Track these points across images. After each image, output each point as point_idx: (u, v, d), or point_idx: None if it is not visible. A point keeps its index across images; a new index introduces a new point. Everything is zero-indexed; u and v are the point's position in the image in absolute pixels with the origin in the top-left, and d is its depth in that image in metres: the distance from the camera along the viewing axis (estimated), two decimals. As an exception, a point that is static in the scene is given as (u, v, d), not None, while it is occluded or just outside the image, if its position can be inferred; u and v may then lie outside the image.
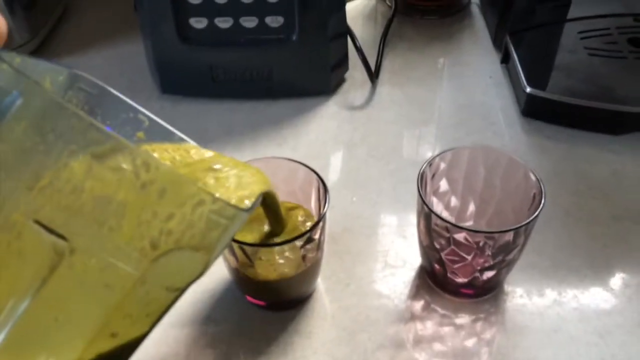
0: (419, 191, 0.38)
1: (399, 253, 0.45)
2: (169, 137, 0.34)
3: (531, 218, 0.36)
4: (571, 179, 0.51)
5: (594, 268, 0.44)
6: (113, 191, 0.24)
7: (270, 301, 0.42)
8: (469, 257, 0.38)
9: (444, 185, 0.42)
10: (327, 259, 0.45)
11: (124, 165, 0.24)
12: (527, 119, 0.57)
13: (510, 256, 0.38)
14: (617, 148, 0.54)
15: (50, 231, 0.25)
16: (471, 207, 0.43)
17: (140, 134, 0.34)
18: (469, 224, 0.44)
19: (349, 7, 0.72)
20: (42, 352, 0.27)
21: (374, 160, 0.53)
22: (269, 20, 0.54)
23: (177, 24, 0.54)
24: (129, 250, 0.25)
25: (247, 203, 0.30)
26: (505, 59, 0.62)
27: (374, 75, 0.60)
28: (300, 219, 0.41)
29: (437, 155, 0.40)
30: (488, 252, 0.38)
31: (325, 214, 0.38)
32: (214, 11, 0.54)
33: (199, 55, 0.56)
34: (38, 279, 0.25)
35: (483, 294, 0.42)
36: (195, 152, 0.34)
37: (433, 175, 0.41)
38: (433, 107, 0.59)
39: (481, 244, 0.37)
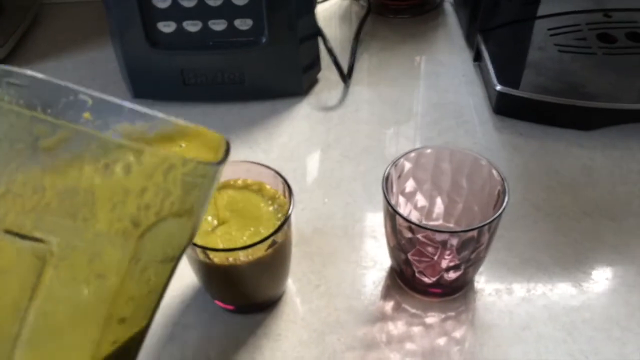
0: (384, 193, 0.38)
1: (369, 254, 0.45)
2: (117, 111, 0.31)
3: (494, 217, 0.36)
4: (542, 175, 0.51)
5: (563, 264, 0.44)
6: (76, 180, 0.24)
7: (238, 304, 0.41)
8: (435, 257, 0.38)
9: (410, 185, 0.42)
10: (298, 260, 0.45)
11: (80, 152, 0.23)
12: (499, 117, 0.57)
13: (476, 254, 0.38)
14: (588, 143, 0.54)
15: (24, 237, 0.24)
16: (439, 207, 0.43)
17: (87, 115, 0.31)
18: (437, 223, 0.44)
19: (322, 7, 0.73)
20: (60, 351, 0.26)
21: (347, 161, 0.53)
22: (237, 23, 0.54)
23: (145, 29, 0.54)
24: (110, 235, 0.24)
25: (219, 155, 0.28)
26: (477, 57, 0.62)
27: (345, 76, 0.60)
28: (271, 208, 0.40)
29: (402, 156, 0.40)
30: (453, 251, 0.38)
31: (289, 216, 0.38)
32: (181, 15, 0.54)
33: (169, 59, 0.56)
34: (27, 289, 0.24)
35: (452, 293, 0.42)
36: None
37: (399, 176, 0.41)
38: (406, 107, 0.59)
39: (446, 243, 0.37)
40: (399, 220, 0.37)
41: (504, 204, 0.37)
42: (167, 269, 0.27)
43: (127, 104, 0.30)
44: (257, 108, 0.59)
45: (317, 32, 0.59)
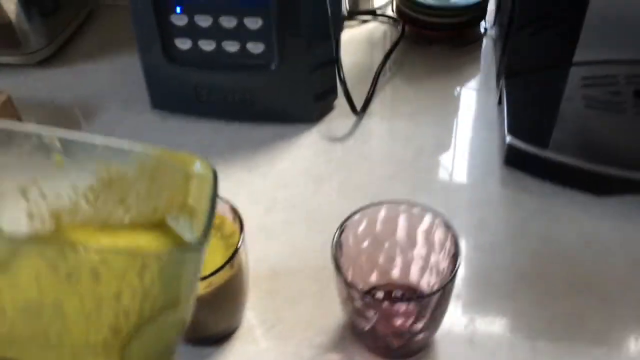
0: (334, 260, 0.37)
1: (333, 301, 0.45)
2: (90, 150, 0.30)
3: (434, 291, 0.35)
4: (537, 240, 0.48)
5: (533, 341, 0.41)
6: (37, 295, 0.21)
7: (189, 335, 0.42)
8: (390, 322, 0.37)
9: (366, 241, 0.41)
10: (260, 295, 0.45)
11: (35, 264, 0.21)
12: (508, 168, 0.54)
13: (420, 324, 0.37)
14: (596, 210, 0.50)
15: None
16: (397, 263, 0.42)
17: (58, 157, 0.30)
18: (394, 281, 0.43)
19: (357, 30, 0.71)
20: None
21: (338, 198, 0.52)
22: (250, 46, 0.55)
23: (163, 44, 0.56)
24: (90, 347, 0.22)
25: (198, 233, 0.25)
26: (501, 101, 0.59)
27: (356, 108, 0.59)
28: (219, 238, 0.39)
29: (357, 212, 0.39)
30: (401, 317, 0.36)
31: (237, 250, 0.37)
32: (197, 33, 0.55)
33: (185, 74, 0.57)
34: None
35: (409, 355, 0.41)
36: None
37: (355, 231, 0.40)
38: (415, 145, 0.57)
39: (395, 309, 0.36)
40: (340, 283, 0.36)
41: (454, 271, 0.35)
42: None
43: (100, 140, 0.29)
44: (266, 130, 0.59)
45: (334, 60, 0.58)
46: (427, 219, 0.39)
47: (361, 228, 0.40)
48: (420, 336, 0.39)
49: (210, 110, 0.60)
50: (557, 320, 0.43)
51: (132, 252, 0.22)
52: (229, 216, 0.40)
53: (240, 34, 0.54)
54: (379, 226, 0.40)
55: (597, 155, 0.50)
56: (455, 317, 0.43)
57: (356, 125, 0.60)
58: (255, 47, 0.55)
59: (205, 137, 0.59)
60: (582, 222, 0.49)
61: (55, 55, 0.70)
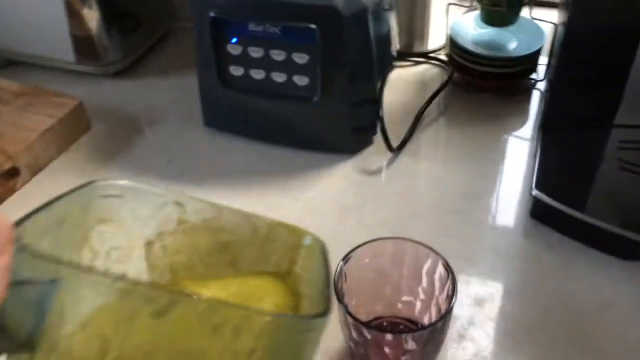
0: (337, 292, 0.39)
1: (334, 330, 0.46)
2: (212, 212, 0.33)
3: (422, 327, 0.36)
4: (552, 297, 0.48)
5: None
6: (186, 343, 0.23)
7: None
8: (369, 348, 0.38)
9: (373, 273, 0.42)
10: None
11: (189, 315, 0.23)
12: (534, 222, 0.54)
13: (411, 357, 0.38)
14: (619, 274, 0.49)
15: None
16: (404, 298, 0.43)
17: (182, 217, 0.33)
18: (400, 313, 0.44)
19: (407, 71, 0.74)
20: None
21: (359, 230, 0.54)
22: (296, 78, 0.58)
23: (218, 69, 0.60)
24: None
25: (323, 307, 0.27)
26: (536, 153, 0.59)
27: (392, 145, 0.61)
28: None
29: (363, 245, 0.41)
30: (393, 348, 0.38)
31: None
32: (250, 63, 0.59)
33: (236, 98, 0.62)
34: None
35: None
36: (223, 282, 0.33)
37: (361, 263, 0.42)
38: (444, 188, 0.58)
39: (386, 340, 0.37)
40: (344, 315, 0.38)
41: (449, 308, 0.37)
42: None
43: (219, 205, 0.32)
44: (305, 157, 0.62)
45: (374, 98, 0.61)
46: (430, 259, 0.41)
47: (367, 260, 0.42)
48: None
49: (255, 133, 0.64)
50: (555, 378, 0.43)
51: (273, 312, 0.25)
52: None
53: (288, 66, 0.58)
54: (385, 260, 0.42)
55: (626, 219, 0.49)
56: (455, 353, 0.44)
57: (391, 162, 0.62)
58: (301, 80, 0.58)
59: (248, 157, 0.63)
60: (601, 284, 0.48)
61: (129, 68, 0.76)
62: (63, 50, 0.73)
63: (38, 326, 0.22)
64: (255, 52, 0.58)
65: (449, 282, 0.39)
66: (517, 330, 0.46)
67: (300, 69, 0.58)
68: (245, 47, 0.58)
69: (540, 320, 0.46)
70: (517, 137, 0.64)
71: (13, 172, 0.58)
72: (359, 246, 0.41)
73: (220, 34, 0.58)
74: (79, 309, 0.23)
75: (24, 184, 0.60)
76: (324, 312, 0.26)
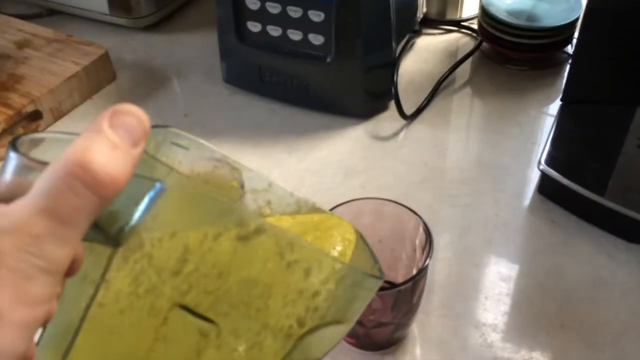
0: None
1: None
2: (263, 182, 0.33)
3: (389, 287, 0.36)
4: (546, 273, 0.46)
5: (502, 368, 0.41)
6: (259, 273, 0.24)
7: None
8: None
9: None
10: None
11: (270, 246, 0.24)
12: (540, 196, 0.52)
13: (383, 318, 0.38)
14: (621, 256, 0.47)
15: (196, 314, 0.24)
16: (386, 259, 0.43)
17: (235, 183, 0.34)
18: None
19: (436, 39, 0.72)
20: None
21: (359, 193, 0.54)
22: (311, 37, 0.58)
23: (236, 25, 0.61)
24: (276, 329, 0.25)
25: (379, 269, 0.29)
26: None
27: (404, 112, 0.60)
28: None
29: (345, 203, 0.41)
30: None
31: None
32: (267, 19, 0.59)
33: (252, 55, 0.62)
34: None
35: (379, 348, 0.42)
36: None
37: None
38: (454, 157, 0.57)
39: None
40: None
41: (421, 269, 0.36)
42: None
43: (271, 180, 0.33)
44: (316, 118, 0.62)
45: (391, 63, 0.60)
46: (412, 222, 0.40)
47: (349, 218, 0.42)
48: (385, 329, 0.40)
49: (270, 91, 0.64)
50: (535, 354, 0.41)
51: (341, 263, 0.26)
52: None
53: (304, 24, 0.57)
54: (367, 221, 0.42)
55: (637, 201, 0.47)
56: (436, 322, 0.43)
57: (403, 128, 0.61)
58: (316, 39, 0.58)
59: (261, 115, 0.63)
60: (600, 264, 0.47)
61: (160, 23, 0.78)
62: (98, 2, 0.75)
63: (131, 224, 0.23)
64: (273, 8, 0.58)
65: (427, 246, 0.39)
66: (503, 302, 0.45)
67: (316, 28, 0.57)
68: (263, 2, 0.58)
69: (529, 295, 0.45)
70: (541, 112, 0.62)
71: (36, 115, 0.61)
72: (339, 205, 0.41)
73: (239, -11, 0.58)
74: (174, 219, 0.24)
75: (47, 127, 0.62)
76: (381, 276, 0.27)
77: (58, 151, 0.20)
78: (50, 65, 0.65)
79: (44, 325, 0.22)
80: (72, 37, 0.69)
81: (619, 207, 0.47)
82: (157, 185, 0.23)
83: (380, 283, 0.27)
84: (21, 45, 0.68)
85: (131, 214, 0.23)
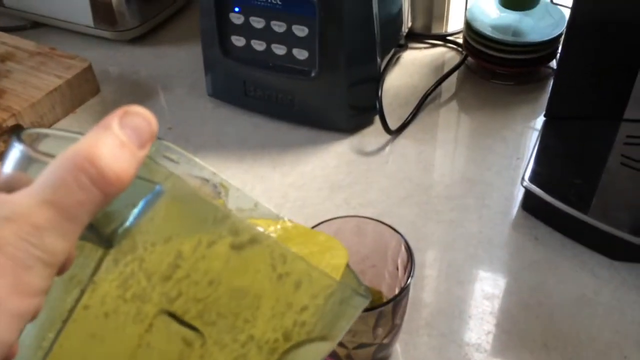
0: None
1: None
2: (249, 202, 0.33)
3: (370, 307, 0.35)
4: (529, 291, 0.46)
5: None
6: (250, 283, 0.24)
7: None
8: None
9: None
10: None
11: (263, 257, 0.24)
12: (524, 213, 0.52)
13: (364, 338, 0.37)
14: (604, 274, 0.47)
15: (182, 322, 0.24)
16: (369, 277, 0.42)
17: (221, 202, 0.33)
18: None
19: (422, 53, 0.72)
20: None
21: (343, 209, 0.54)
22: (295, 51, 0.58)
23: (220, 39, 0.60)
24: (262, 342, 0.25)
25: (365, 289, 0.29)
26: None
27: (388, 127, 0.60)
28: None
29: (327, 221, 0.40)
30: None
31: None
32: (251, 33, 0.59)
33: (236, 69, 0.62)
34: None
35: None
36: (283, 225, 0.33)
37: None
38: (437, 173, 0.57)
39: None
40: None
41: (402, 291, 0.36)
42: None
43: (257, 201, 0.32)
44: (301, 133, 0.62)
45: (376, 78, 0.60)
46: (394, 240, 0.40)
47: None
48: (367, 349, 0.39)
49: (255, 105, 0.63)
50: (519, 373, 0.41)
51: (332, 278, 0.25)
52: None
53: (288, 39, 0.57)
54: (349, 239, 0.41)
55: (619, 218, 0.47)
56: (419, 341, 0.43)
57: (388, 144, 0.60)
58: (300, 54, 0.58)
59: (245, 129, 0.63)
60: (584, 282, 0.46)
61: (145, 36, 0.77)
62: (82, 14, 0.74)
63: (126, 225, 0.22)
64: (257, 23, 0.58)
65: (409, 265, 0.38)
66: (486, 320, 0.44)
67: (300, 42, 0.57)
68: (247, 16, 0.58)
69: (513, 313, 0.45)
70: (527, 127, 0.62)
71: (17, 130, 0.60)
72: (320, 222, 0.40)
73: (224, 2, 0.58)
74: (170, 224, 0.23)
75: (28, 140, 0.62)
76: (368, 296, 0.27)
77: (60, 149, 0.20)
78: (33, 79, 0.64)
79: (32, 320, 0.21)
80: (55, 50, 0.69)
81: (602, 224, 0.47)
82: (157, 188, 0.22)
83: (366, 303, 0.27)
84: (3, 58, 0.67)
85: (127, 216, 0.22)
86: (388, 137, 0.61)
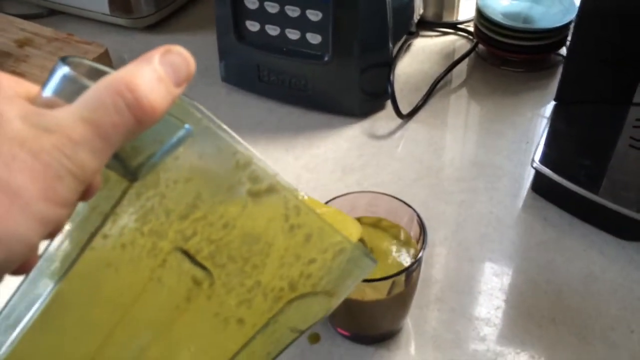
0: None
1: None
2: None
3: (383, 277, 0.36)
4: (536, 269, 0.47)
5: (494, 361, 0.41)
6: (262, 230, 0.25)
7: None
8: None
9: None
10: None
11: (278, 207, 0.25)
12: (533, 194, 0.53)
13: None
14: (612, 253, 0.48)
15: (194, 261, 0.25)
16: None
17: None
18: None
19: (433, 41, 0.73)
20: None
21: (355, 189, 0.55)
22: (309, 36, 0.59)
23: (235, 24, 0.61)
24: (268, 289, 0.25)
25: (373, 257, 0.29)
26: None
27: (400, 111, 0.60)
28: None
29: (335, 199, 0.41)
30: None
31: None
32: (266, 18, 0.60)
33: (250, 54, 0.63)
34: (173, 307, 0.26)
35: (375, 341, 0.43)
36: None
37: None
38: (448, 156, 0.58)
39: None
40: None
41: (415, 263, 0.37)
42: (290, 338, 0.28)
43: (277, 172, 0.32)
44: (314, 117, 0.63)
45: (388, 63, 0.60)
46: (407, 214, 0.41)
47: (344, 210, 0.42)
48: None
49: (268, 90, 0.64)
50: (527, 347, 0.42)
51: (343, 235, 0.26)
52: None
53: (302, 24, 0.58)
54: (361, 212, 0.42)
55: (628, 198, 0.48)
56: (430, 315, 0.44)
57: (399, 127, 0.61)
58: (314, 38, 0.59)
59: (260, 114, 0.64)
60: (592, 260, 0.47)
61: (160, 23, 0.78)
62: (98, 1, 0.75)
63: (153, 160, 0.23)
64: (271, 7, 0.59)
65: (421, 237, 0.39)
66: (496, 295, 0.45)
67: (314, 27, 0.58)
68: (262, 1, 0.59)
69: (521, 290, 0.46)
70: (536, 113, 0.63)
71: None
72: (335, 198, 0.41)
73: (238, -13, 0.59)
74: (193, 164, 0.24)
75: (46, 123, 0.63)
76: (375, 261, 0.28)
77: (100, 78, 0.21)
78: (51, 64, 0.65)
79: (52, 237, 0.22)
80: (72, 36, 0.70)
81: (611, 204, 0.47)
82: (186, 127, 0.23)
83: (373, 266, 0.27)
84: (22, 43, 0.69)
85: (154, 151, 0.23)
86: (399, 121, 0.62)
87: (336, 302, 0.27)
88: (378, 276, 0.36)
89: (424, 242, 0.38)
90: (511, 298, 0.45)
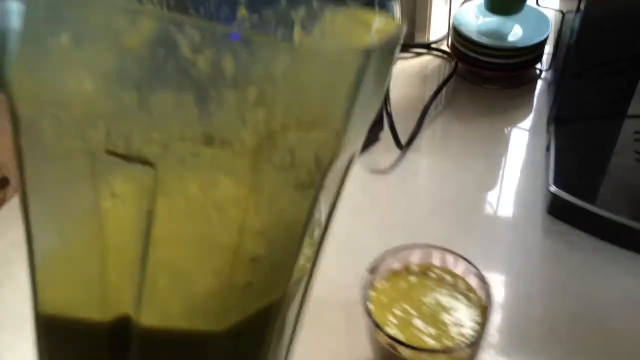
0: (363, 299, 0.37)
1: (362, 333, 0.45)
2: (275, 3, 0.26)
3: (459, 347, 0.34)
4: (576, 299, 0.47)
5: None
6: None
7: None
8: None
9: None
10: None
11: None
12: (551, 219, 0.53)
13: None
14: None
15: (131, 159, 0.19)
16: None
17: (243, 11, 0.27)
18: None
19: (410, 63, 0.72)
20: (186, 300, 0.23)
21: (374, 232, 0.52)
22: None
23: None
24: (220, 159, 0.19)
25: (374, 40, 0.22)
26: (549, 147, 0.57)
27: (401, 143, 0.59)
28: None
29: (388, 254, 0.39)
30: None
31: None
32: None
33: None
34: (142, 221, 0.21)
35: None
36: None
37: (388, 272, 0.40)
38: (455, 186, 0.57)
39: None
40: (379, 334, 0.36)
41: (485, 327, 0.35)
42: (307, 197, 0.22)
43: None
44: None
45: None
46: (461, 268, 0.39)
47: (394, 268, 0.40)
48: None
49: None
50: (588, 383, 0.41)
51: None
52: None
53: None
54: (413, 269, 0.40)
55: (647, 214, 0.48)
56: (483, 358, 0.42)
57: (400, 159, 0.60)
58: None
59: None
60: (625, 282, 0.47)
61: None
62: None
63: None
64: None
65: (484, 295, 0.37)
66: (543, 332, 0.44)
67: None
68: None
69: (566, 322, 0.45)
70: (523, 129, 0.63)
71: (3, 183, 0.55)
72: (383, 256, 0.39)
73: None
74: None
75: (14, 194, 0.56)
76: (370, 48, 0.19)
77: None
78: (10, 125, 0.58)
79: None
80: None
81: (632, 222, 0.48)
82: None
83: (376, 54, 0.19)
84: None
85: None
86: (397, 153, 0.60)
87: (341, 130, 0.20)
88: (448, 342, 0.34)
89: (490, 308, 0.36)
90: (561, 334, 0.44)
